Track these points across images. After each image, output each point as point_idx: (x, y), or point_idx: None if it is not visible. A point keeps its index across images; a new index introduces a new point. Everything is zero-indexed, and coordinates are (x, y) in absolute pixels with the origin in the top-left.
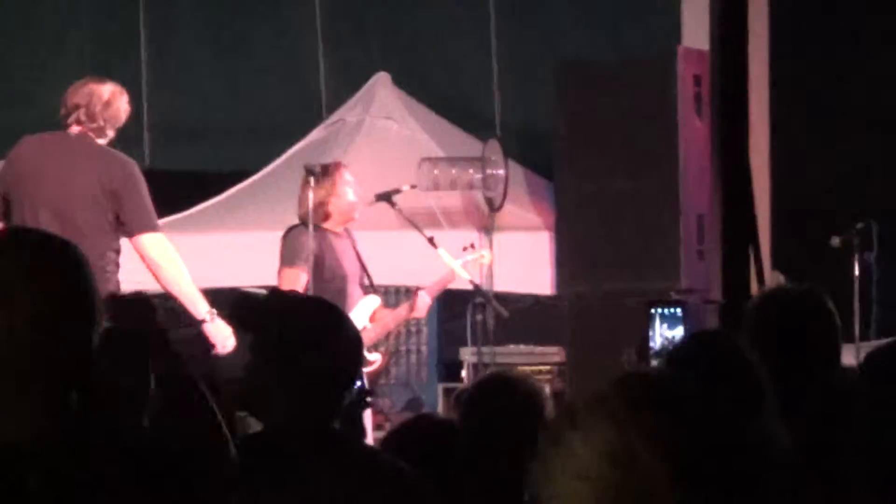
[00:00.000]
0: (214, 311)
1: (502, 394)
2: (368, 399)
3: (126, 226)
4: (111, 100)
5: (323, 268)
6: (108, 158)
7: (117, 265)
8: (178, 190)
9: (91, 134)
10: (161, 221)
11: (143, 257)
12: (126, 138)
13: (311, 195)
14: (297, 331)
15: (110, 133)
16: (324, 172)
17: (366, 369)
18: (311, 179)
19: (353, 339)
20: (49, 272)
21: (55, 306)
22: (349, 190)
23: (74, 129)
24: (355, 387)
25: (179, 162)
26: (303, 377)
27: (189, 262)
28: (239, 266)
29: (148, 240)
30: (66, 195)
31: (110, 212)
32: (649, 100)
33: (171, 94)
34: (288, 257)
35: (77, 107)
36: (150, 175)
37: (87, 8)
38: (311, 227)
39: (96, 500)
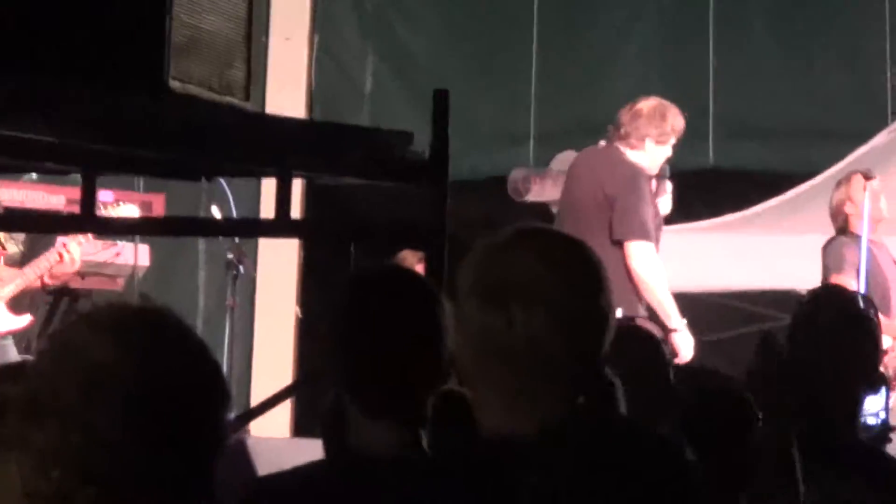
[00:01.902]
0: (685, 320)
1: None
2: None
3: (613, 230)
4: (643, 112)
5: (866, 275)
6: (612, 165)
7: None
8: (742, 189)
9: (619, 145)
10: (721, 220)
11: (624, 263)
12: (692, 135)
13: (863, 201)
14: None
15: (636, 144)
16: (846, 181)
17: None
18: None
19: None
20: (568, 269)
21: (575, 305)
22: (869, 201)
23: (605, 142)
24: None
25: (744, 161)
26: None
27: (744, 262)
28: (793, 269)
29: (632, 248)
30: (574, 201)
31: (606, 218)
32: None
33: (738, 92)
34: (835, 266)
35: (616, 122)
36: (713, 173)
37: (655, 1)
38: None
39: (588, 496)
